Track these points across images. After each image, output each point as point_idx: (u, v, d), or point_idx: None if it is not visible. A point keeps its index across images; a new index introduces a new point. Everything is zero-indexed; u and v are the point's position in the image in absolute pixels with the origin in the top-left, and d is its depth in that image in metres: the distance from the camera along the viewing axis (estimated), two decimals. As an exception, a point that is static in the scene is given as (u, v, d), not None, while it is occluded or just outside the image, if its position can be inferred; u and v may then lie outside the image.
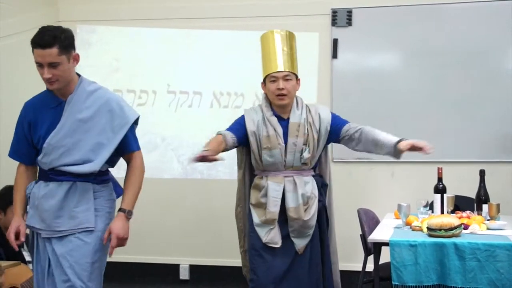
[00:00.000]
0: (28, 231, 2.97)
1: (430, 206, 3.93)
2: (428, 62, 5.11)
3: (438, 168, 3.96)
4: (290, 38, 3.53)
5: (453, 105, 5.04)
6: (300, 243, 3.42)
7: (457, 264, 3.11)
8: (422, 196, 3.92)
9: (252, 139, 3.46)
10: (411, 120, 5.00)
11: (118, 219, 2.87)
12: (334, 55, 5.24)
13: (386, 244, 3.25)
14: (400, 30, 5.15)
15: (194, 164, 3.23)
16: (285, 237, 3.43)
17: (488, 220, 3.74)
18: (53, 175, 2.87)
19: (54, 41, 2.71)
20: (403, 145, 3.27)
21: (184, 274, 5.52)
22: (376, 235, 3.45)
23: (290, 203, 3.40)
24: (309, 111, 3.51)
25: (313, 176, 3.51)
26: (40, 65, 2.76)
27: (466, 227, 3.44)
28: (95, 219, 2.87)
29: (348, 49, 5.24)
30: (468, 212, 3.85)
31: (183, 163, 5.44)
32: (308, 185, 3.45)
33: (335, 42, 5.23)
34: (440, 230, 3.24)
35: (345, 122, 3.53)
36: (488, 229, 3.53)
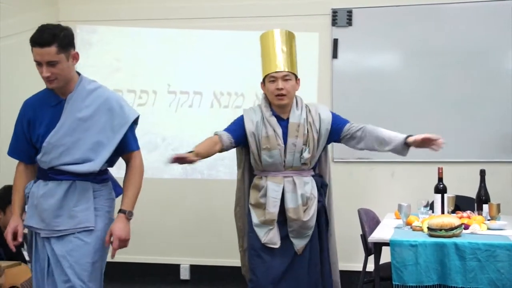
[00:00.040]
0: (26, 230, 2.95)
1: (431, 206, 3.93)
2: (428, 62, 5.11)
3: (439, 168, 3.96)
4: (289, 38, 3.51)
5: (453, 105, 5.04)
6: (299, 244, 3.42)
7: (458, 264, 3.10)
8: (422, 196, 3.92)
9: (251, 140, 3.45)
10: (411, 120, 4.99)
11: (118, 221, 2.85)
12: (334, 55, 5.24)
13: (387, 244, 3.25)
14: (400, 30, 5.15)
15: (171, 165, 3.22)
16: (284, 237, 3.42)
17: (488, 220, 3.73)
18: (52, 174, 2.86)
19: (53, 39, 2.70)
20: (413, 138, 3.27)
21: (184, 274, 5.52)
22: (377, 235, 3.45)
23: (290, 203, 3.39)
24: (309, 111, 3.49)
25: (313, 176, 3.50)
26: (39, 63, 2.75)
27: (466, 227, 3.44)
28: (95, 219, 2.86)
29: (348, 49, 5.24)
30: (468, 212, 3.85)
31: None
32: (308, 186, 3.44)
33: (335, 42, 5.23)
34: (440, 230, 3.24)
35: (346, 121, 3.52)
36: (488, 229, 3.53)
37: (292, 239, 3.42)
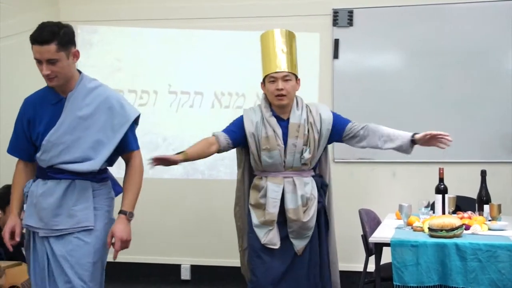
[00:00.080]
0: (24, 230, 2.94)
1: (432, 206, 3.93)
2: (428, 62, 5.10)
3: (440, 169, 3.95)
4: (290, 38, 3.50)
5: (454, 105, 5.04)
6: (299, 244, 3.41)
7: (459, 264, 3.10)
8: (423, 196, 3.92)
9: (250, 140, 3.44)
10: (412, 120, 4.98)
11: (119, 222, 2.84)
12: (335, 55, 5.24)
13: (388, 244, 3.24)
14: (401, 30, 5.15)
15: (156, 167, 3.21)
16: (284, 238, 3.41)
17: (489, 220, 3.73)
18: (51, 173, 2.84)
19: (53, 37, 2.68)
20: (421, 135, 3.27)
21: (185, 274, 5.52)
22: (378, 236, 3.45)
23: (289, 204, 3.39)
24: (310, 111, 3.48)
25: (313, 176, 3.50)
26: (38, 61, 2.74)
27: (467, 227, 3.43)
28: (94, 218, 2.85)
29: (349, 49, 5.24)
30: (469, 212, 3.85)
31: (183, 163, 5.42)
32: (308, 186, 3.43)
33: (336, 42, 5.23)
34: (441, 230, 3.23)
35: (347, 121, 3.51)
36: (489, 229, 3.52)
37: (292, 239, 3.41)
